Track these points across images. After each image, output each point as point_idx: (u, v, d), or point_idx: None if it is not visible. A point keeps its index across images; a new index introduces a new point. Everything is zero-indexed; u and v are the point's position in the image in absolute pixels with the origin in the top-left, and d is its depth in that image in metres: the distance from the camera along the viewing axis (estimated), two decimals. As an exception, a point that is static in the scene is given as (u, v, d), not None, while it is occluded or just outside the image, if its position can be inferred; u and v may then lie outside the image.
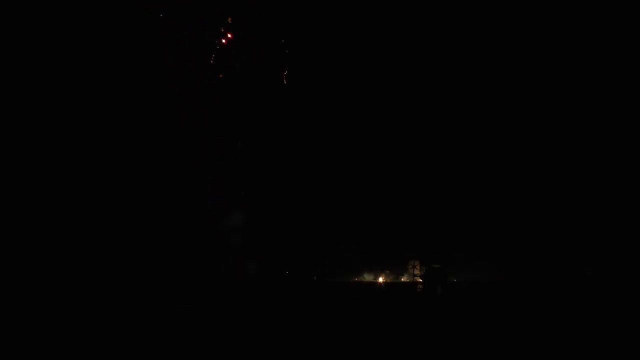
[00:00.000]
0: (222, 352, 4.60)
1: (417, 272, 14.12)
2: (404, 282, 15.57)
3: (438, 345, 4.47)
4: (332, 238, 14.11)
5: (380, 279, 16.32)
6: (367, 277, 16.05)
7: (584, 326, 4.79)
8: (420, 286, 12.89)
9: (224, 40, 4.12)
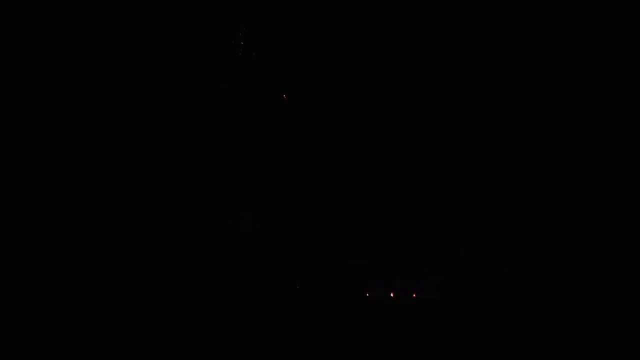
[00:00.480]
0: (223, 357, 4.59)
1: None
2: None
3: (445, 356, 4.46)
4: (342, 249, 14.10)
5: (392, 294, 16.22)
6: (377, 292, 15.95)
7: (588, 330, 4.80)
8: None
9: (240, 53, 4.12)
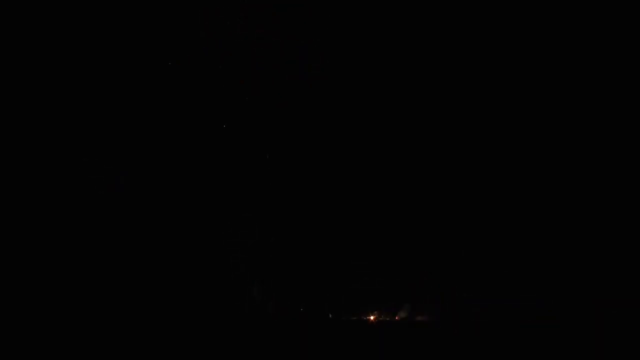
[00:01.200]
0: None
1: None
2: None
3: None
4: (347, 268, 14.06)
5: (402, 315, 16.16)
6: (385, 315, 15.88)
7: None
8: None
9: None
